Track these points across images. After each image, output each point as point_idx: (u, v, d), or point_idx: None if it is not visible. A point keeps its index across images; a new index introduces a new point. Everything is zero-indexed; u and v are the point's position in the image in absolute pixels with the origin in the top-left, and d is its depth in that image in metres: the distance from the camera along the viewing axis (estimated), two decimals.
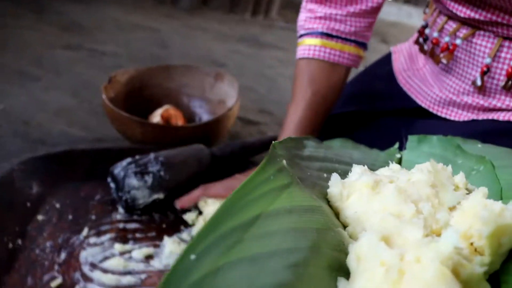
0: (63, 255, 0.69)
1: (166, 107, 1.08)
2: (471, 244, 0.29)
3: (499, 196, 0.37)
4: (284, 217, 0.30)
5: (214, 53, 2.07)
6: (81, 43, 1.82)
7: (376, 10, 0.78)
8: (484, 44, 0.67)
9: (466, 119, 0.72)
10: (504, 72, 0.66)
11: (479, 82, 0.68)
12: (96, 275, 0.66)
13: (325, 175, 0.40)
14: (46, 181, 0.82)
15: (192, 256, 0.24)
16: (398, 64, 0.89)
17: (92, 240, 0.73)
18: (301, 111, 0.76)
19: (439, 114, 0.76)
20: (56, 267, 0.66)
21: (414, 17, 4.51)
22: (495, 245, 0.29)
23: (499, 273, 0.30)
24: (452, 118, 0.74)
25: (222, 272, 0.25)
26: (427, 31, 0.78)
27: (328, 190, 0.37)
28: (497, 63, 0.67)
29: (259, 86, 1.76)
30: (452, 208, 0.34)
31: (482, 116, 0.71)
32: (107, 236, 0.74)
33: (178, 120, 1.06)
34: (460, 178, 0.38)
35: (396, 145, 0.57)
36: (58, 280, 0.64)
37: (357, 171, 0.38)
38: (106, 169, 0.85)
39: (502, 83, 0.67)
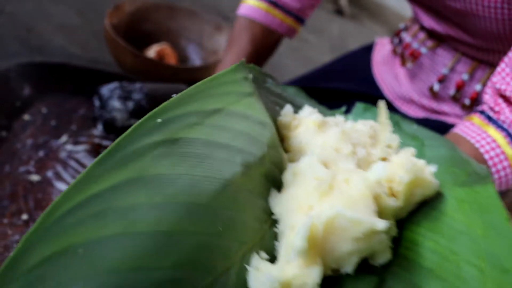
0: (40, 154, 0.77)
1: (163, 44, 1.14)
2: (390, 188, 0.35)
3: None
4: (240, 120, 0.34)
5: (222, 4, 2.10)
6: None
7: None
8: (444, 56, 0.75)
9: (420, 117, 0.81)
10: (454, 84, 0.74)
11: (436, 88, 0.76)
12: (67, 176, 0.74)
13: (277, 108, 0.44)
14: (38, 87, 0.89)
15: (159, 120, 0.30)
16: (378, 57, 0.96)
17: (69, 147, 0.80)
18: (236, 58, 0.79)
19: (399, 108, 0.84)
20: (32, 162, 0.75)
21: None
22: (408, 193, 0.35)
23: (404, 221, 0.37)
24: (409, 114, 0.82)
25: (179, 143, 0.30)
26: (403, 34, 0.85)
27: (279, 118, 0.42)
28: (452, 75, 0.75)
29: None
30: (383, 159, 0.39)
31: (435, 117, 0.79)
32: (83, 147, 0.82)
33: (171, 59, 1.13)
34: (394, 140, 0.43)
35: (343, 108, 0.63)
36: (36, 177, 0.72)
37: (308, 110, 0.43)
38: (94, 88, 0.91)
39: (452, 93, 0.75)
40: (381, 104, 0.40)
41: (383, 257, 0.33)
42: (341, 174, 0.33)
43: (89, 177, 0.27)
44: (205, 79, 0.35)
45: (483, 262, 0.30)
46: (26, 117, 0.83)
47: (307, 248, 0.29)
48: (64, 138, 0.82)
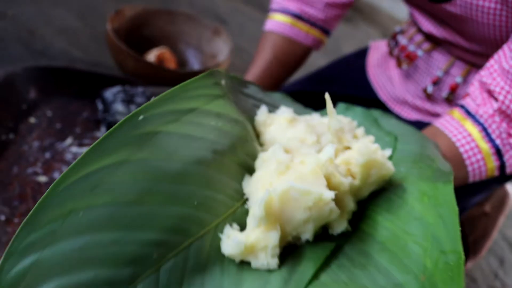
0: (47, 155, 0.80)
1: (162, 49, 1.17)
2: (349, 169, 0.41)
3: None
4: (213, 118, 0.42)
5: (218, 7, 2.13)
6: None
7: (349, 5, 0.87)
8: (440, 59, 0.79)
9: (413, 119, 0.84)
10: (448, 86, 0.78)
11: (429, 90, 0.80)
12: None
13: (256, 110, 0.51)
14: (43, 90, 0.92)
15: (141, 117, 0.37)
16: (373, 60, 1.00)
17: (74, 149, 0.83)
18: (260, 69, 0.84)
19: (392, 109, 0.88)
20: (39, 164, 0.77)
21: None
22: (365, 174, 0.41)
23: (367, 201, 0.43)
24: (402, 115, 0.86)
25: (158, 136, 0.37)
26: (399, 37, 0.89)
27: (256, 117, 0.49)
28: (446, 77, 0.78)
29: (254, 49, 1.84)
30: (347, 147, 0.45)
31: (427, 119, 0.83)
32: (86, 149, 0.85)
33: (171, 63, 1.16)
34: (360, 131, 0.50)
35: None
36: (44, 178, 0.75)
37: (283, 109, 0.50)
38: (97, 91, 0.94)
39: (445, 95, 0.79)
40: (326, 96, 0.44)
41: (339, 227, 0.40)
42: (298, 157, 0.40)
43: (87, 159, 0.35)
44: (180, 84, 0.42)
45: (427, 243, 0.36)
46: (32, 120, 0.86)
47: (266, 216, 0.35)
48: (69, 140, 0.84)
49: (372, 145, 0.42)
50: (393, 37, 0.91)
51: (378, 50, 1.00)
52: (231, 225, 0.38)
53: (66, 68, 0.97)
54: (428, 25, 0.78)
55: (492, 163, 0.59)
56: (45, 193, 0.33)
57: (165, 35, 1.26)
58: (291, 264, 0.37)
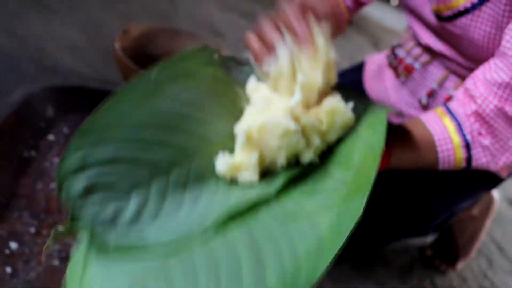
0: None
1: None
2: (318, 117, 0.52)
3: None
4: (209, 79, 0.55)
5: (215, 22, 2.20)
6: None
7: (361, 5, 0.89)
8: (435, 72, 0.86)
9: None
10: (442, 98, 0.85)
11: (424, 101, 0.87)
12: None
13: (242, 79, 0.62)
14: (59, 108, 0.98)
15: (152, 76, 0.50)
16: (369, 72, 1.07)
17: None
18: None
19: (389, 119, 0.95)
20: None
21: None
22: (330, 120, 0.52)
23: (333, 146, 0.54)
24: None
25: (168, 90, 0.50)
26: (397, 50, 0.96)
27: (247, 84, 0.58)
28: (440, 90, 0.86)
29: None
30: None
31: None
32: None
33: None
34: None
35: None
36: None
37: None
38: None
39: (440, 105, 0.86)
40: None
41: (307, 156, 0.50)
42: (275, 103, 0.51)
43: (117, 99, 0.49)
44: (178, 54, 0.54)
45: (365, 149, 0.49)
46: (51, 137, 0.92)
47: (247, 141, 0.47)
48: None
49: (336, 97, 0.53)
50: (393, 50, 0.98)
51: (374, 62, 1.07)
52: (224, 152, 0.50)
53: (79, 87, 1.03)
54: (426, 38, 0.85)
55: (461, 155, 0.67)
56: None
57: (169, 52, 1.33)
58: (268, 181, 0.49)
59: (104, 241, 0.40)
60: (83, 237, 0.41)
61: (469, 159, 0.68)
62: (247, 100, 0.56)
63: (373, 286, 1.04)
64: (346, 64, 2.71)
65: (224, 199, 0.46)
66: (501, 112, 0.63)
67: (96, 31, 1.53)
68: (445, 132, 0.67)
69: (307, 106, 0.53)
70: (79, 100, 1.01)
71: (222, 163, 0.48)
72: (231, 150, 0.51)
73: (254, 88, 0.56)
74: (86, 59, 1.34)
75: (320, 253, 0.39)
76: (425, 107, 0.88)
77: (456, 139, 0.66)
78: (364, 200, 0.43)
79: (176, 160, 0.48)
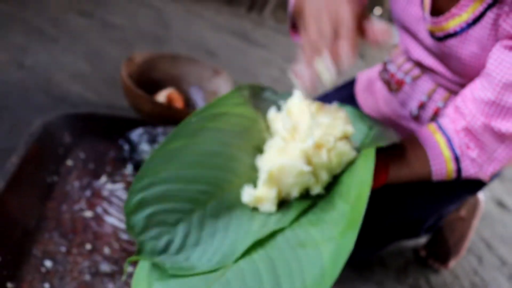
0: (87, 193, 0.93)
1: (170, 90, 1.31)
2: (329, 155, 0.60)
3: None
4: (238, 117, 0.64)
5: (207, 42, 2.29)
6: (93, 12, 2.00)
7: None
8: (425, 85, 0.95)
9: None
10: (432, 110, 0.94)
11: (415, 113, 0.96)
12: (114, 211, 0.90)
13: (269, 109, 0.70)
14: (74, 135, 1.05)
15: (193, 119, 0.58)
16: (360, 87, 1.16)
17: (109, 186, 0.97)
18: None
19: None
20: (82, 201, 0.90)
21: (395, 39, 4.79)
22: (339, 160, 0.60)
23: (339, 176, 0.62)
24: None
25: (204, 130, 0.60)
26: (389, 65, 1.05)
27: (267, 115, 0.67)
28: (430, 102, 0.94)
29: (244, 80, 2.00)
30: (342, 137, 0.63)
31: None
32: (120, 185, 0.98)
33: (179, 102, 1.30)
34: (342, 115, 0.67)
35: None
36: (89, 213, 0.88)
37: (291, 100, 0.68)
38: (119, 133, 1.08)
39: (429, 117, 0.94)
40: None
41: (315, 189, 0.59)
42: (291, 144, 0.60)
43: (166, 141, 0.57)
44: (217, 97, 0.65)
45: (359, 185, 0.57)
46: (69, 162, 0.99)
47: (268, 179, 0.56)
48: (103, 178, 0.98)
49: (345, 144, 0.62)
50: (384, 65, 1.07)
51: (365, 76, 1.16)
52: (248, 184, 0.58)
53: (91, 113, 1.10)
54: (417, 54, 0.93)
55: (451, 167, 0.76)
56: (144, 162, 0.55)
57: (170, 77, 1.41)
58: (284, 211, 0.58)
59: (163, 266, 0.50)
60: (143, 262, 0.52)
61: (459, 171, 0.77)
62: (268, 130, 0.66)
63: (373, 286, 1.11)
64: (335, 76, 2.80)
65: (249, 226, 0.55)
66: (488, 127, 0.72)
67: (97, 58, 1.61)
68: (437, 148, 0.76)
69: (320, 146, 0.61)
70: (92, 126, 1.09)
71: (247, 194, 0.57)
72: (254, 179, 0.59)
73: (274, 117, 0.66)
74: (91, 86, 1.42)
75: (323, 280, 0.48)
76: (416, 118, 0.96)
77: (447, 153, 0.75)
78: (356, 235, 0.50)
79: (212, 193, 0.57)
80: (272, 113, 0.67)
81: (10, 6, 1.74)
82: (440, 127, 0.78)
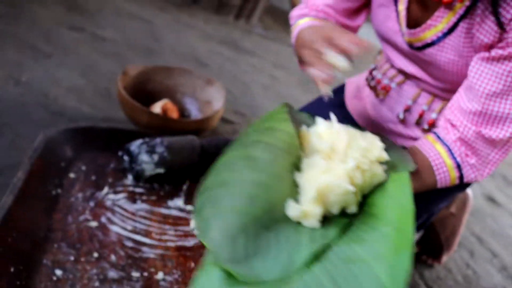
0: (91, 204, 0.96)
1: (165, 101, 1.35)
2: (364, 177, 0.65)
3: None
4: (282, 133, 0.68)
5: (197, 52, 2.33)
6: (84, 26, 2.04)
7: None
8: (409, 90, 0.99)
9: None
10: (417, 113, 0.99)
11: (401, 116, 1.00)
12: (117, 219, 0.93)
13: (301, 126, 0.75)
14: (75, 148, 1.08)
15: (251, 130, 0.66)
16: (349, 93, 1.20)
17: (111, 196, 1.00)
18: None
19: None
20: (87, 212, 0.93)
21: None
22: (371, 181, 0.66)
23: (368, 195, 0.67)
24: None
25: (256, 143, 0.65)
26: (374, 72, 1.09)
27: (300, 130, 0.71)
28: (415, 106, 0.99)
29: (235, 88, 2.04)
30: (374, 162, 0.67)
31: (400, 141, 1.03)
32: (122, 195, 1.01)
33: (174, 113, 1.34)
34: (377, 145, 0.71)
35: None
36: (94, 223, 0.91)
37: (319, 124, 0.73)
38: (118, 144, 1.12)
39: (415, 120, 0.99)
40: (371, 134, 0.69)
41: (352, 208, 0.64)
42: (333, 164, 0.64)
43: (227, 152, 0.65)
44: (267, 113, 0.72)
45: (398, 208, 0.62)
46: (72, 175, 1.02)
47: (318, 197, 0.60)
48: (106, 189, 1.01)
49: (378, 167, 0.66)
50: (370, 72, 1.11)
51: (353, 84, 1.21)
52: (291, 201, 0.62)
53: (90, 127, 1.14)
54: (399, 62, 0.98)
55: (454, 174, 0.81)
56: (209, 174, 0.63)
57: (164, 88, 1.45)
58: (325, 226, 0.61)
59: (236, 273, 0.53)
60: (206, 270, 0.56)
61: (461, 177, 0.82)
62: (300, 147, 0.70)
63: None
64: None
65: (297, 239, 0.58)
66: (479, 135, 0.77)
67: (91, 72, 1.65)
68: (439, 157, 0.80)
69: (358, 167, 0.65)
70: (91, 139, 1.12)
71: (294, 209, 0.61)
72: (294, 195, 0.63)
73: (305, 135, 0.70)
74: (87, 99, 1.45)
75: None
76: (402, 121, 1.01)
77: (449, 162, 0.80)
78: (410, 255, 0.54)
79: (265, 208, 0.60)
80: (304, 130, 0.70)
81: (2, 23, 1.76)
82: (439, 138, 0.82)
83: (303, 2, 1.04)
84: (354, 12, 1.01)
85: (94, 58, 1.78)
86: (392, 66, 1.04)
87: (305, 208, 0.60)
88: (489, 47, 0.75)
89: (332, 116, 0.70)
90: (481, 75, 0.76)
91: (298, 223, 0.61)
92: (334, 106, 1.20)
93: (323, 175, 0.62)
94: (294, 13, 1.03)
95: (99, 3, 2.41)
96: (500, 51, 0.72)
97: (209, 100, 1.44)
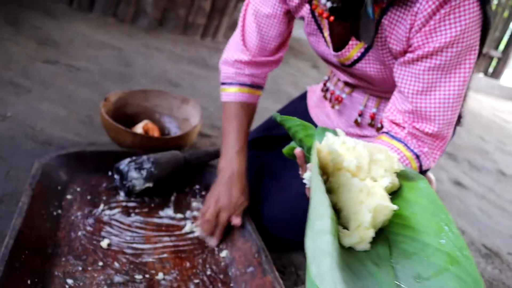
0: (90, 221, 1.05)
1: (145, 121, 1.46)
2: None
3: None
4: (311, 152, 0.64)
5: (169, 73, 2.44)
6: (58, 59, 2.13)
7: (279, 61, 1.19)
8: (359, 97, 1.14)
9: None
10: (369, 116, 1.12)
11: (359, 120, 1.14)
12: (116, 231, 1.03)
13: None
14: (68, 172, 1.18)
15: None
16: (311, 102, 1.34)
17: (107, 212, 1.10)
18: (240, 134, 1.14)
19: None
20: (88, 227, 1.03)
21: None
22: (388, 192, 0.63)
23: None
24: None
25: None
26: (328, 83, 1.23)
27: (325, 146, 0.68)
28: (366, 109, 1.13)
29: (209, 104, 2.16)
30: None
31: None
32: (116, 210, 1.11)
33: (155, 132, 1.44)
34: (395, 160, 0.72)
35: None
36: (95, 237, 1.01)
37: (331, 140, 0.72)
38: (107, 165, 1.22)
39: (368, 122, 1.13)
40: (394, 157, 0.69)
41: (385, 223, 0.62)
42: (367, 182, 0.62)
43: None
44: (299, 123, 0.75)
45: (438, 221, 0.59)
46: (69, 196, 1.11)
47: (372, 222, 0.58)
48: (101, 206, 1.11)
49: (395, 177, 0.66)
50: (325, 84, 1.25)
51: (314, 93, 1.35)
52: (339, 227, 0.60)
53: (81, 152, 1.23)
54: (342, 77, 1.13)
55: (415, 164, 0.92)
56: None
57: (143, 110, 1.55)
58: (374, 246, 0.59)
59: None
60: None
61: (420, 166, 0.92)
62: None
63: None
64: (291, 87, 3.02)
65: (365, 265, 0.56)
66: (418, 130, 0.89)
67: (71, 102, 1.74)
68: (400, 152, 0.90)
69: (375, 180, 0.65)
70: (83, 163, 1.22)
71: (351, 238, 0.57)
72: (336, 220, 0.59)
73: (319, 150, 0.67)
74: (71, 128, 1.54)
75: None
76: (358, 124, 1.15)
77: (408, 154, 0.91)
78: (471, 261, 0.52)
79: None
80: (317, 145, 0.67)
81: None
82: (392, 136, 0.92)
83: (231, 47, 1.18)
84: (275, 50, 1.16)
85: (71, 88, 1.87)
86: (339, 79, 1.18)
87: (362, 234, 0.58)
88: (404, 53, 0.88)
89: (340, 131, 0.71)
90: (403, 78, 0.89)
91: (349, 248, 0.58)
92: (300, 113, 1.34)
93: (368, 198, 0.60)
94: (225, 66, 1.18)
95: (69, 35, 2.50)
96: (411, 55, 0.86)
97: (187, 118, 1.55)
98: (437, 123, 0.88)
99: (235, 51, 1.15)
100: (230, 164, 1.12)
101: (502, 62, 6.53)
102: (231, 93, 1.16)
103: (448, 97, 0.86)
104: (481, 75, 6.58)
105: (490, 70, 6.62)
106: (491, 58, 6.54)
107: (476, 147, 3.11)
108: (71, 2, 2.97)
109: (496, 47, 6.50)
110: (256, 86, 1.18)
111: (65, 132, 1.50)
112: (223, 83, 1.18)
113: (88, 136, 1.53)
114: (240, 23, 1.13)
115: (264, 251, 1.00)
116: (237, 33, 1.15)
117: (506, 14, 6.32)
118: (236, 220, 1.09)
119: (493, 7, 6.17)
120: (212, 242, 1.09)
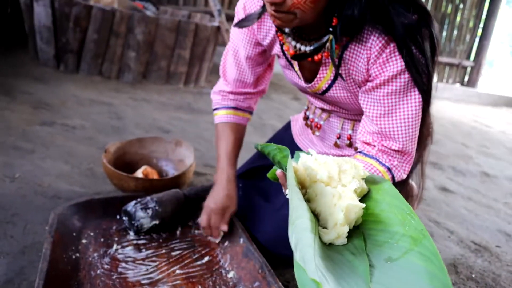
0: (106, 260, 1.16)
1: (144, 167, 1.58)
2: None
3: None
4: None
5: (159, 121, 2.58)
6: (53, 119, 2.26)
7: (263, 92, 1.36)
8: (335, 122, 1.28)
9: None
10: (346, 137, 1.26)
11: (338, 143, 1.28)
12: (131, 266, 1.14)
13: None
14: (81, 219, 1.29)
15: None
16: (295, 130, 1.47)
17: (120, 251, 1.20)
18: (228, 148, 1.29)
19: None
20: (105, 266, 1.14)
21: None
22: (359, 195, 0.74)
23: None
24: None
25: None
26: (307, 112, 1.38)
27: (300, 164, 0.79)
28: (343, 132, 1.27)
29: (200, 146, 2.30)
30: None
31: None
32: (129, 248, 1.22)
33: (154, 175, 1.57)
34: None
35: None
36: (113, 273, 1.11)
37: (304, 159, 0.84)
38: (115, 210, 1.33)
39: (347, 143, 1.27)
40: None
41: (358, 221, 0.73)
42: (338, 189, 0.72)
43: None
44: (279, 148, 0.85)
45: (397, 210, 0.70)
46: (84, 240, 1.22)
47: (345, 219, 0.69)
48: (114, 246, 1.22)
49: (363, 183, 0.76)
50: (305, 112, 1.39)
51: (297, 122, 1.48)
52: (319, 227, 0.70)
53: (89, 200, 1.35)
54: (318, 103, 1.27)
55: (388, 176, 1.03)
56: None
57: (140, 157, 1.68)
58: (351, 240, 0.69)
59: None
60: None
61: (393, 178, 1.03)
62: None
63: None
64: (275, 120, 3.17)
65: (349, 259, 0.65)
66: (385, 146, 1.02)
67: (72, 157, 1.86)
68: (373, 167, 1.01)
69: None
70: (92, 210, 1.33)
71: (329, 235, 0.68)
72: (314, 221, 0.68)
73: (296, 168, 0.77)
74: (76, 181, 1.66)
75: (440, 278, 0.58)
76: (338, 146, 1.29)
77: (381, 168, 1.02)
78: (430, 240, 0.63)
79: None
80: (294, 164, 0.77)
81: None
82: (366, 154, 1.04)
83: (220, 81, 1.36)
84: (254, 83, 1.34)
85: (70, 145, 1.99)
86: (316, 107, 1.33)
87: (339, 231, 0.68)
88: (365, 82, 1.03)
89: (312, 150, 0.81)
90: (367, 103, 1.03)
91: (330, 244, 0.68)
92: (287, 142, 1.47)
93: (340, 200, 0.70)
94: (214, 96, 1.37)
95: (60, 96, 2.64)
96: (371, 84, 1.00)
97: (181, 159, 1.68)
98: (400, 140, 1.00)
99: (219, 84, 1.35)
100: (222, 174, 1.28)
101: (475, 70, 6.82)
102: (219, 116, 1.33)
103: (407, 117, 0.98)
104: (457, 85, 6.82)
105: (466, 79, 6.87)
106: (465, 68, 6.80)
107: (459, 153, 3.26)
108: (58, 65, 3.14)
109: (468, 57, 6.77)
110: (242, 109, 1.32)
111: (71, 185, 1.62)
112: (214, 109, 1.36)
113: (91, 186, 1.64)
114: (222, 58, 1.31)
115: (267, 266, 1.11)
116: (219, 68, 1.33)
117: (471, 24, 6.61)
118: (224, 227, 1.28)
119: (458, 18, 6.48)
120: (213, 240, 1.33)
